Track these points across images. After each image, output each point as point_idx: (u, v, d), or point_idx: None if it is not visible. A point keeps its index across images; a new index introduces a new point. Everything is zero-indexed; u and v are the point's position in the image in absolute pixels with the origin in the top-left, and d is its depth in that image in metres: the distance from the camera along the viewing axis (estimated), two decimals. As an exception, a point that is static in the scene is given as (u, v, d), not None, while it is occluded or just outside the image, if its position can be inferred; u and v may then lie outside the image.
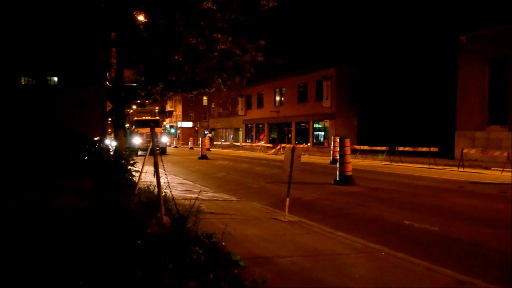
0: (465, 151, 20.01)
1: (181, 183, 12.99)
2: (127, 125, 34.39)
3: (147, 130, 30.90)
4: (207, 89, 12.17)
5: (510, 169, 16.21)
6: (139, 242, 4.59)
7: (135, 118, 37.87)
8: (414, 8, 31.58)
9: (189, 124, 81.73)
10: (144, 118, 38.34)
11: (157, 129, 31.56)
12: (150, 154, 8.29)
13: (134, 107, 40.81)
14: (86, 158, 12.72)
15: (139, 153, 29.17)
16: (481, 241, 6.23)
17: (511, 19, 22.10)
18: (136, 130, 32.82)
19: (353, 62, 37.99)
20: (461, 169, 18.35)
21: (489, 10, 23.51)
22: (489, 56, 23.85)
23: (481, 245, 6.06)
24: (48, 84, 22.22)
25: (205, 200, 9.33)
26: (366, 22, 36.95)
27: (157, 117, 50.28)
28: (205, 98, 79.25)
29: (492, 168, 18.53)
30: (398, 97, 32.69)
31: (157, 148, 26.39)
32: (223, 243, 4.83)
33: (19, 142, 12.02)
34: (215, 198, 10.03)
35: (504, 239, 6.37)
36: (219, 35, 10.91)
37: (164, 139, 33.84)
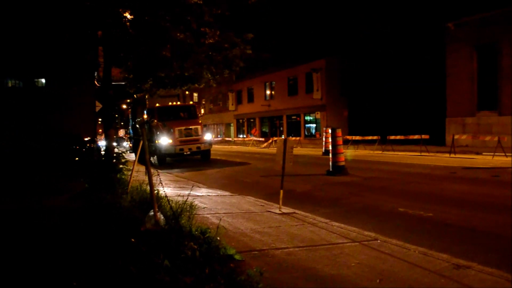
0: (456, 137, 20.11)
1: (174, 180, 12.93)
2: (144, 116, 24.01)
3: (181, 125, 20.78)
4: (196, 85, 12.10)
5: (501, 154, 16.33)
6: (133, 240, 4.55)
7: (157, 105, 23.55)
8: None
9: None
10: (171, 104, 23.90)
11: (193, 123, 21.46)
12: (141, 154, 7.39)
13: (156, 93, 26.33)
14: (77, 158, 12.62)
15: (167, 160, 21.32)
16: (475, 225, 6.26)
17: (497, 6, 22.21)
18: (160, 124, 21.11)
19: (342, 53, 37.96)
20: (452, 155, 18.45)
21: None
22: (476, 43, 23.95)
23: (476, 229, 6.08)
24: (35, 86, 22.01)
25: (199, 196, 9.29)
26: (353, 12, 36.89)
27: (191, 102, 28.36)
28: (195, 94, 78.93)
29: (484, 153, 18.65)
30: (388, 86, 32.73)
31: (197, 150, 20.07)
32: (218, 238, 4.80)
33: (7, 144, 11.88)
34: (209, 194, 9.99)
35: (498, 223, 6.40)
36: (206, 29, 10.85)
37: (208, 137, 21.51)
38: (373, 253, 4.80)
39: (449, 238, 5.71)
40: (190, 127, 20.88)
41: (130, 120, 29.62)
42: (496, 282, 3.83)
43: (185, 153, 20.67)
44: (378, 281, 3.93)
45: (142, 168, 11.32)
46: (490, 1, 22.46)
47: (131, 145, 30.10)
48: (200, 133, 20.95)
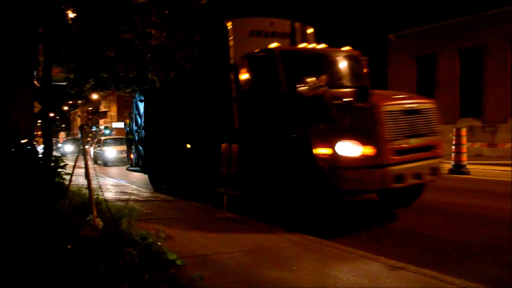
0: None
1: (116, 185, 12.59)
2: (232, 77, 7.66)
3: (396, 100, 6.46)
4: (141, 86, 11.79)
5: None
6: (69, 246, 4.37)
7: (275, 45, 7.35)
8: (346, 7, 32.55)
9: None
10: (317, 47, 8.79)
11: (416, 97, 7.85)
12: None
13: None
14: (11, 162, 11.96)
15: None
16: (412, 228, 6.53)
17: (436, 19, 23.40)
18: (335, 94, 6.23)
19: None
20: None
21: (416, 10, 24.74)
22: (416, 54, 25.09)
23: (412, 231, 6.35)
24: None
25: (141, 200, 9.10)
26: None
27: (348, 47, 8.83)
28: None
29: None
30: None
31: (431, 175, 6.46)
32: (159, 243, 4.69)
33: None
34: (152, 199, 9.79)
35: (433, 225, 6.71)
36: (153, 30, 10.58)
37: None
38: (315, 256, 4.88)
39: (388, 241, 5.92)
40: (418, 104, 6.68)
41: (138, 105, 13.04)
42: (429, 282, 3.99)
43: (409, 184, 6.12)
44: (317, 283, 4.00)
45: (83, 171, 10.90)
46: (430, 15, 23.62)
47: (132, 155, 14.89)
48: (436, 126, 6.69)
